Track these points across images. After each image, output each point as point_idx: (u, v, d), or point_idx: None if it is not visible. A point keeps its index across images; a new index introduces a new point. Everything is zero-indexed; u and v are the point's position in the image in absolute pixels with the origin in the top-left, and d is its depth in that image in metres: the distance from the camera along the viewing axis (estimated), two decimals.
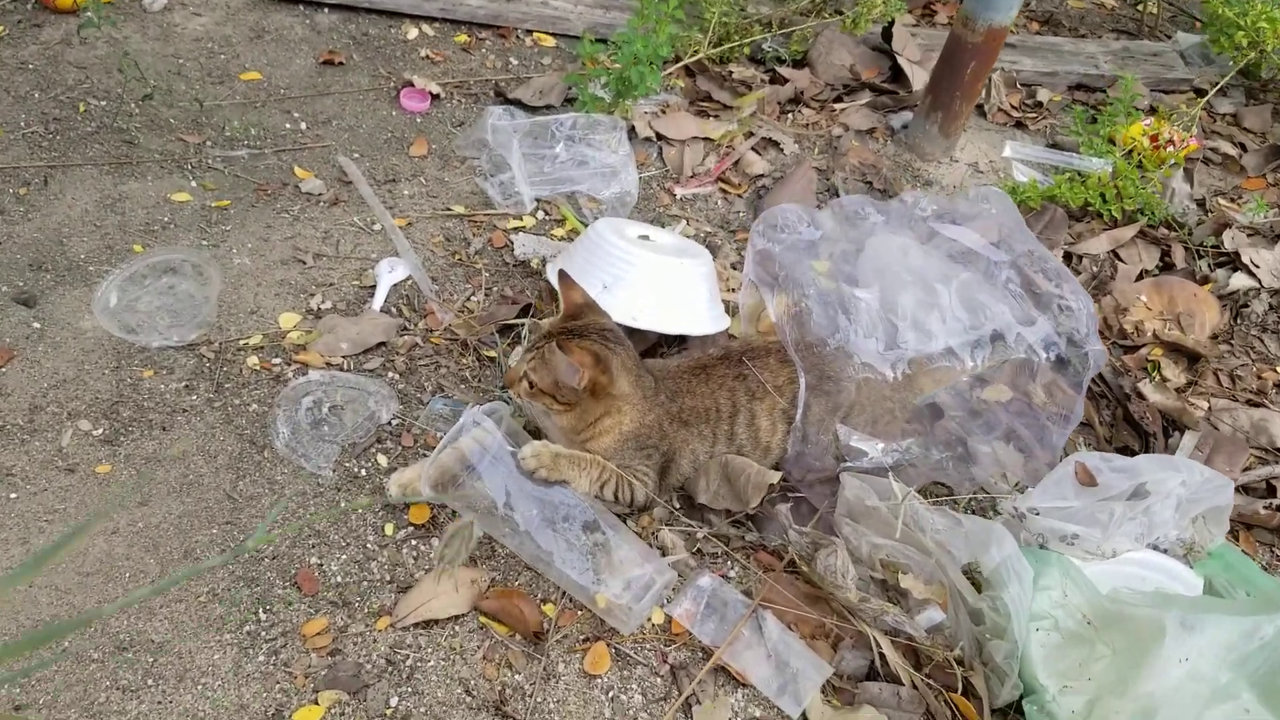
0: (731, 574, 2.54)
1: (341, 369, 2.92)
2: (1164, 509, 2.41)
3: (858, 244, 3.02)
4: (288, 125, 3.78)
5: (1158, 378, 3.27)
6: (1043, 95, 4.70)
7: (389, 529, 2.53)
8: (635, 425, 2.53)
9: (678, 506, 2.69)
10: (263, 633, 2.30)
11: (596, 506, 2.46)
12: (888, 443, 2.62)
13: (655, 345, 3.08)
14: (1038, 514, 2.42)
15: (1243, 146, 4.49)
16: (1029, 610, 2.25)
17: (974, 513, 2.77)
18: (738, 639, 2.39)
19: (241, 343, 2.93)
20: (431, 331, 3.07)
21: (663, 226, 3.62)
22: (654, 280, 2.93)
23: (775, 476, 2.54)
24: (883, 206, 2.98)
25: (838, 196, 3.91)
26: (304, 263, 3.23)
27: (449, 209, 3.56)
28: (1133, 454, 3.02)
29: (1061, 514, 2.41)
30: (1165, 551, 2.53)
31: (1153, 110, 4.55)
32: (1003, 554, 2.29)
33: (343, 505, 2.53)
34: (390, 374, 2.93)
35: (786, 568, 2.55)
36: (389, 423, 2.78)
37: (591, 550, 2.38)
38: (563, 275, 2.66)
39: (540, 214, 3.63)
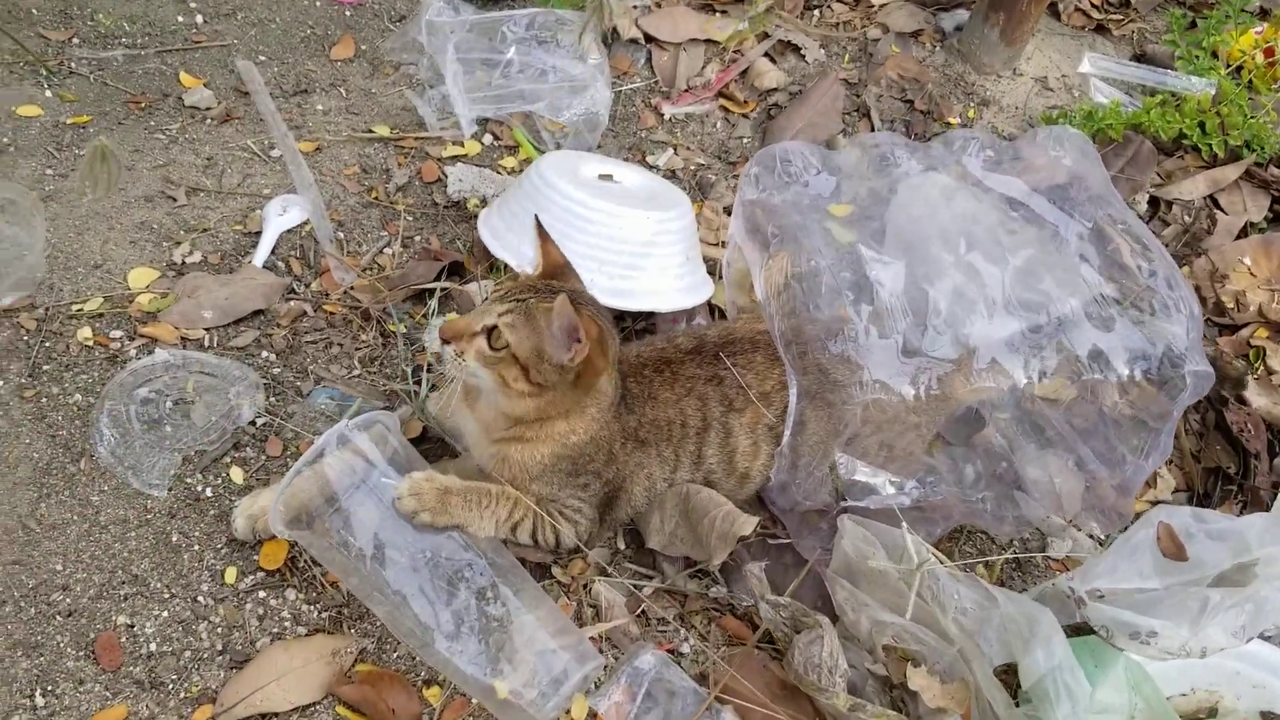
0: (685, 648, 1.96)
1: (202, 346, 2.31)
2: (1277, 594, 1.77)
3: (891, 184, 2.33)
4: (180, 18, 3.13)
5: (1262, 371, 2.59)
6: None
7: (229, 575, 1.96)
8: (583, 439, 1.93)
9: (623, 547, 2.08)
10: None
11: (498, 559, 1.86)
12: (904, 477, 1.98)
13: (614, 320, 2.43)
14: (1102, 598, 1.79)
15: None
16: None
17: (1020, 570, 2.15)
18: None
19: (75, 308, 2.33)
20: (326, 296, 2.46)
21: (644, 156, 2.95)
22: (609, 238, 2.30)
23: (750, 525, 1.96)
24: (917, 149, 2.28)
25: (868, 118, 3.21)
26: (174, 199, 2.62)
27: (370, 130, 2.90)
28: (1227, 480, 2.38)
29: (1136, 601, 1.79)
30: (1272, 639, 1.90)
31: (1264, 14, 3.72)
32: (1051, 660, 1.69)
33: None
34: (264, 354, 2.34)
35: (761, 641, 1.95)
36: (252, 423, 2.20)
37: (486, 626, 1.78)
38: (540, 226, 2.04)
39: (488, 138, 2.96)
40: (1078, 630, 1.92)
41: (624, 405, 1.99)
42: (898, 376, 1.94)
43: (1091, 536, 2.25)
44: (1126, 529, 1.94)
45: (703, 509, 1.98)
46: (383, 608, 1.82)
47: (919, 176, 2.31)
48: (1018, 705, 1.77)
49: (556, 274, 1.97)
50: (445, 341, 1.85)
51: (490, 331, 1.82)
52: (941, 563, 1.90)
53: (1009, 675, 1.86)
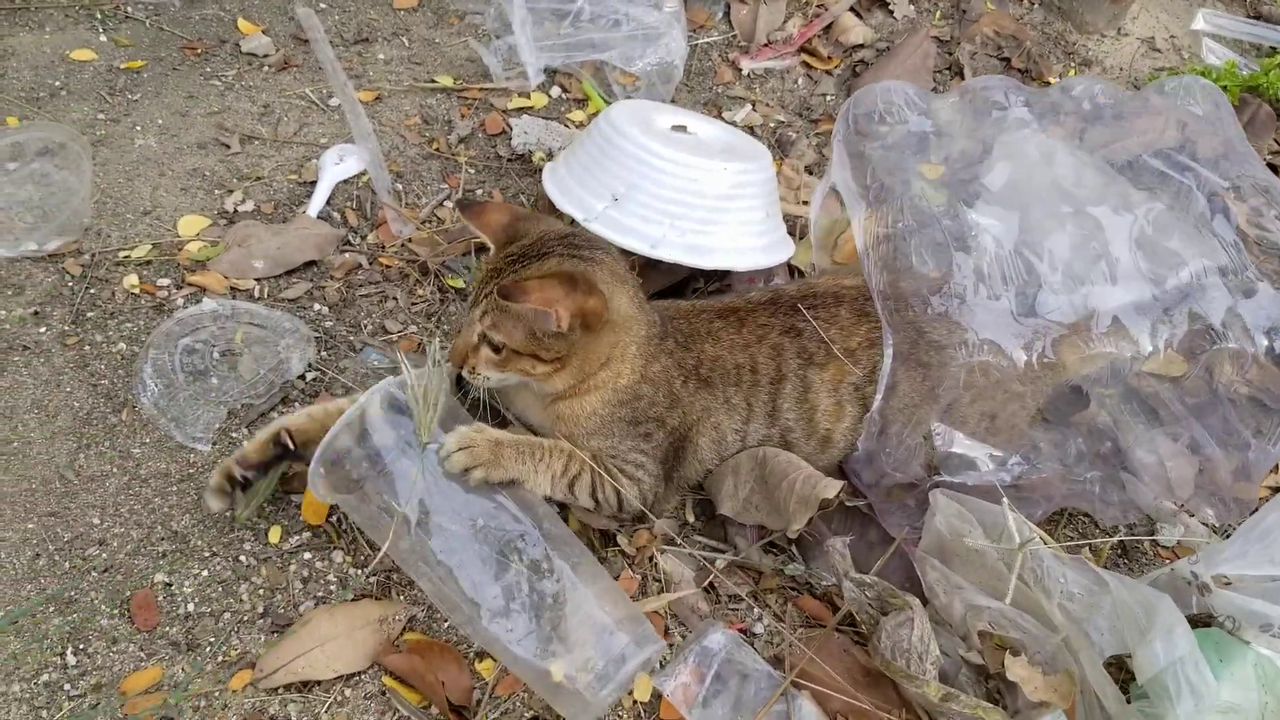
0: (759, 628, 1.81)
1: (252, 297, 2.22)
2: None
3: (986, 144, 2.15)
4: (455, 210, 3.03)
5: None
6: None
7: (273, 534, 1.86)
8: (634, 379, 1.81)
9: (692, 519, 1.95)
10: (67, 685, 1.65)
11: (554, 529, 1.72)
12: (1007, 451, 1.82)
13: (684, 282, 2.30)
14: (1229, 585, 1.61)
15: None
16: None
17: (1126, 558, 1.98)
18: None
19: (122, 255, 2.25)
20: (383, 248, 2.36)
21: (720, 112, 2.81)
22: (684, 191, 2.16)
23: (835, 488, 1.79)
24: (1033, 94, 2.10)
25: (960, 77, 3.03)
26: (228, 146, 2.53)
27: (433, 80, 2.79)
28: None
29: (1267, 589, 1.61)
30: None
31: None
32: (1173, 653, 1.53)
33: (238, 513, 1.84)
34: (317, 306, 2.23)
35: (842, 623, 1.80)
36: (302, 377, 2.09)
37: (539, 602, 1.65)
38: (463, 206, 1.92)
39: (555, 91, 2.84)
40: (1197, 621, 1.74)
41: (676, 341, 1.86)
42: (1009, 338, 1.77)
43: (1205, 524, 2.06)
44: (1255, 511, 1.76)
45: (781, 472, 1.83)
46: (428, 580, 1.70)
47: (1021, 132, 2.14)
48: (1129, 701, 1.61)
49: (511, 233, 1.83)
50: (458, 367, 1.78)
51: (484, 339, 1.74)
52: (1045, 543, 1.73)
53: (1118, 668, 1.70)
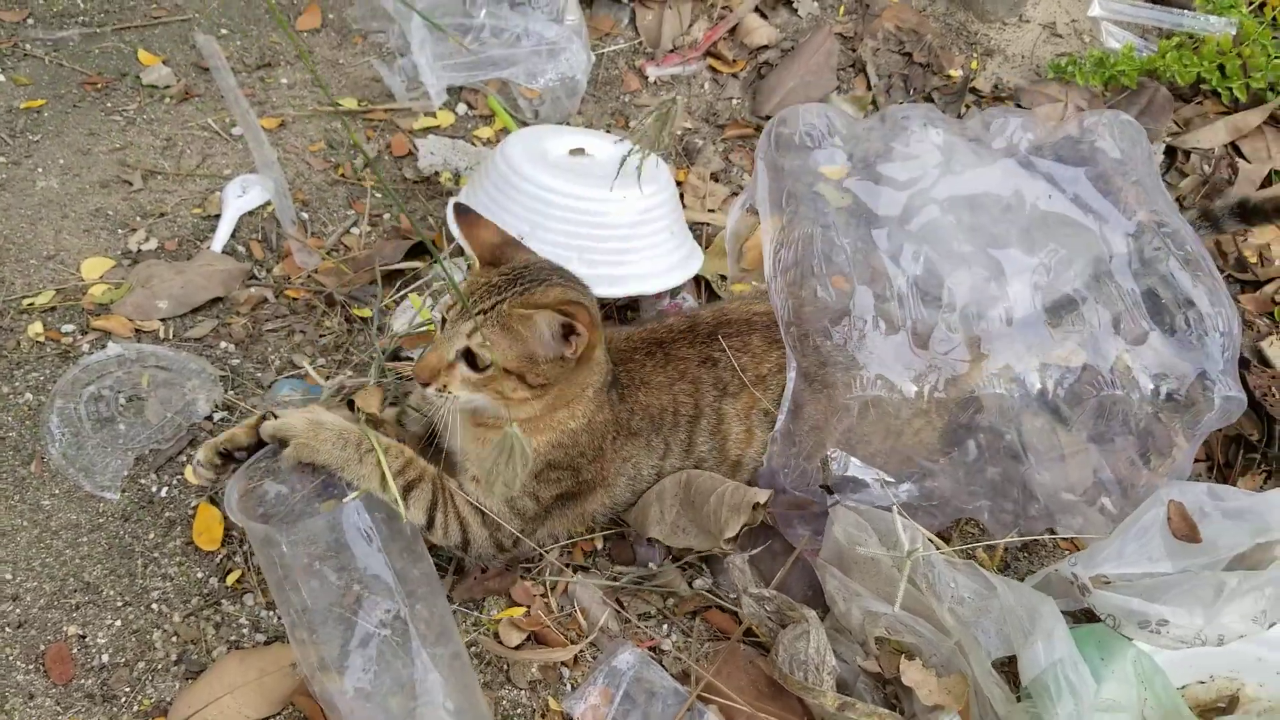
0: (667, 645, 1.87)
1: (157, 338, 2.24)
2: None
3: (886, 143, 2.19)
4: (451, 211, 3.02)
5: None
6: None
7: (185, 580, 1.88)
8: (580, 424, 1.82)
9: (600, 546, 2.00)
10: None
11: (429, 611, 1.74)
12: (902, 474, 1.88)
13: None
14: (1108, 584, 1.69)
15: None
16: None
17: (1027, 553, 2.05)
18: None
19: (26, 302, 2.26)
20: (289, 280, 2.38)
21: (627, 121, 2.85)
22: (591, 225, 2.21)
23: (765, 495, 1.84)
24: (953, 125, 2.14)
25: (864, 74, 3.08)
26: (130, 184, 2.54)
27: (338, 104, 2.80)
28: (1250, 449, 2.26)
29: (1145, 587, 1.68)
30: None
31: None
32: (1052, 655, 1.60)
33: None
34: (223, 344, 2.26)
35: (748, 635, 1.86)
36: (209, 418, 2.12)
37: (390, 683, 1.67)
38: (461, 210, 1.90)
39: (462, 108, 2.86)
40: (1085, 617, 1.82)
41: (617, 393, 1.88)
42: (902, 373, 1.82)
43: (1103, 513, 2.13)
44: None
45: (707, 489, 1.88)
46: (295, 632, 1.72)
47: (921, 135, 2.18)
48: (1019, 700, 1.68)
49: (499, 256, 1.82)
50: (425, 384, 1.72)
51: (467, 355, 1.70)
52: (937, 548, 1.80)
53: (1011, 667, 1.77)
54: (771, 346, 1.95)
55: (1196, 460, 2.31)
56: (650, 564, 1.98)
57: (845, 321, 1.83)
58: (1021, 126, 2.11)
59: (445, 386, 1.71)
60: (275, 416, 1.76)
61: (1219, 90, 3.03)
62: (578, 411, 1.81)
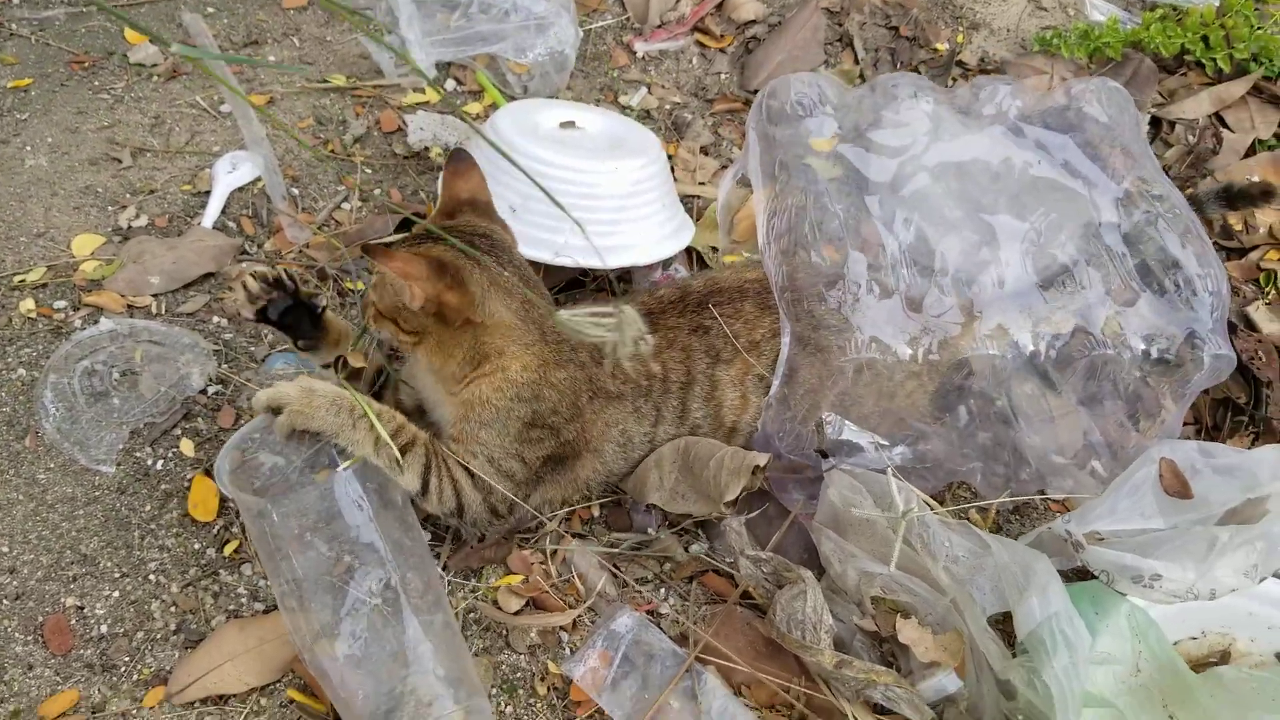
0: (665, 608, 1.88)
1: (150, 314, 2.23)
2: None
3: (875, 111, 2.20)
4: (448, 154, 3.02)
5: (1274, 296, 2.49)
6: None
7: (183, 550, 1.88)
8: (529, 377, 1.82)
9: (597, 512, 2.01)
10: None
11: (417, 576, 1.74)
12: (895, 437, 1.90)
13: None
14: (1101, 540, 1.70)
15: None
16: (1081, 692, 1.56)
17: (1018, 514, 2.07)
18: (664, 712, 1.73)
19: (17, 279, 2.26)
20: (280, 256, 2.37)
21: (616, 96, 2.85)
22: (583, 196, 2.21)
23: (764, 457, 1.86)
24: (942, 94, 2.15)
25: (851, 48, 3.09)
26: (119, 161, 2.53)
27: (325, 80, 2.80)
28: (1237, 411, 2.29)
29: (1138, 542, 1.70)
30: None
31: None
32: (1046, 609, 1.62)
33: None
34: (215, 319, 2.25)
35: (744, 598, 1.87)
36: (203, 392, 2.11)
37: (380, 652, 1.67)
38: (457, 156, 1.93)
39: (450, 84, 2.86)
40: (1079, 575, 1.84)
41: (591, 355, 1.89)
42: (896, 336, 1.83)
43: (1094, 476, 2.15)
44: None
45: (706, 454, 1.89)
46: (286, 602, 1.72)
47: (910, 105, 2.19)
48: (1014, 656, 1.70)
49: (456, 210, 1.88)
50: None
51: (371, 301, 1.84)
52: (931, 509, 1.82)
53: (1005, 624, 1.79)
54: (764, 313, 1.97)
55: (1185, 424, 2.33)
56: (648, 530, 1.99)
57: (839, 286, 1.84)
58: (1010, 94, 2.12)
59: (369, 322, 1.86)
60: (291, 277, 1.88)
61: (1203, 61, 3.05)
62: (511, 365, 1.81)
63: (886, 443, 1.91)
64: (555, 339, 1.85)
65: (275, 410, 1.70)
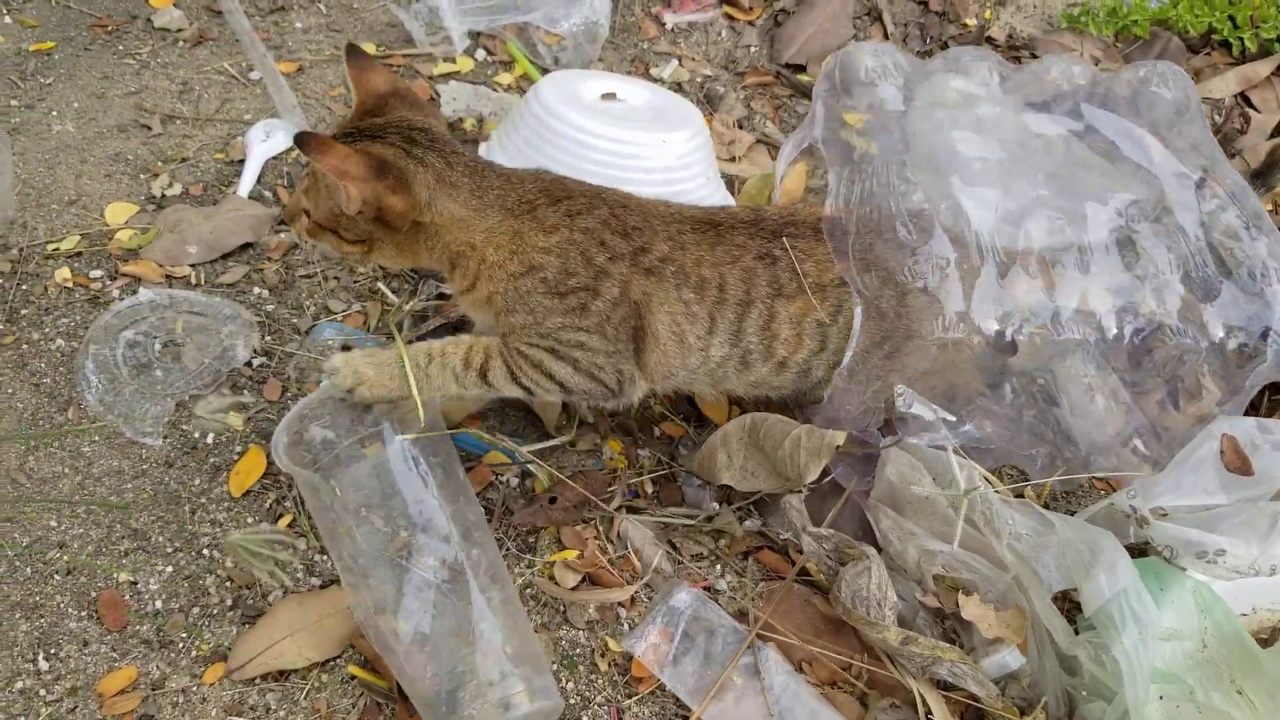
0: (722, 584, 1.87)
1: (189, 284, 2.19)
2: None
3: (908, 93, 2.18)
4: (344, 52, 2.95)
5: None
6: None
7: (235, 525, 1.85)
8: (506, 254, 1.74)
9: (650, 490, 2.00)
10: (42, 691, 1.66)
11: (483, 556, 1.73)
12: (960, 416, 1.89)
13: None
14: (1165, 516, 1.71)
15: None
16: (1149, 668, 1.57)
17: (1062, 493, 2.07)
18: (727, 688, 1.73)
19: (51, 247, 2.21)
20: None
21: (647, 69, 2.82)
22: (629, 169, 2.19)
23: (841, 436, 1.83)
24: (1012, 70, 2.13)
25: (880, 22, 3.07)
26: (149, 128, 2.48)
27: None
28: (1275, 390, 2.29)
29: (1201, 518, 1.70)
30: None
31: None
32: (1115, 584, 1.62)
33: (235, 537, 1.83)
34: (256, 290, 2.21)
35: (801, 575, 1.87)
36: (249, 363, 2.08)
37: (443, 629, 1.65)
38: (352, 52, 1.84)
39: (480, 53, 2.82)
40: (1135, 551, 1.85)
41: (600, 220, 1.79)
42: (986, 315, 1.81)
43: (1135, 454, 2.16)
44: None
45: (779, 433, 1.87)
46: (347, 577, 1.72)
47: (980, 77, 2.17)
48: (1077, 633, 1.70)
49: (380, 105, 1.77)
50: (289, 224, 1.77)
51: (303, 209, 1.73)
52: (994, 487, 1.82)
53: (1065, 603, 1.79)
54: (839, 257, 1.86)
55: (1221, 401, 2.34)
56: (701, 505, 1.98)
57: (923, 259, 1.82)
58: (1080, 74, 2.10)
59: (301, 234, 1.75)
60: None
61: (1229, 41, 3.05)
62: (490, 250, 1.75)
63: (954, 418, 1.90)
64: (530, 209, 1.76)
65: (350, 387, 1.67)
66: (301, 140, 1.55)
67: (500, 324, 1.79)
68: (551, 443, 2.02)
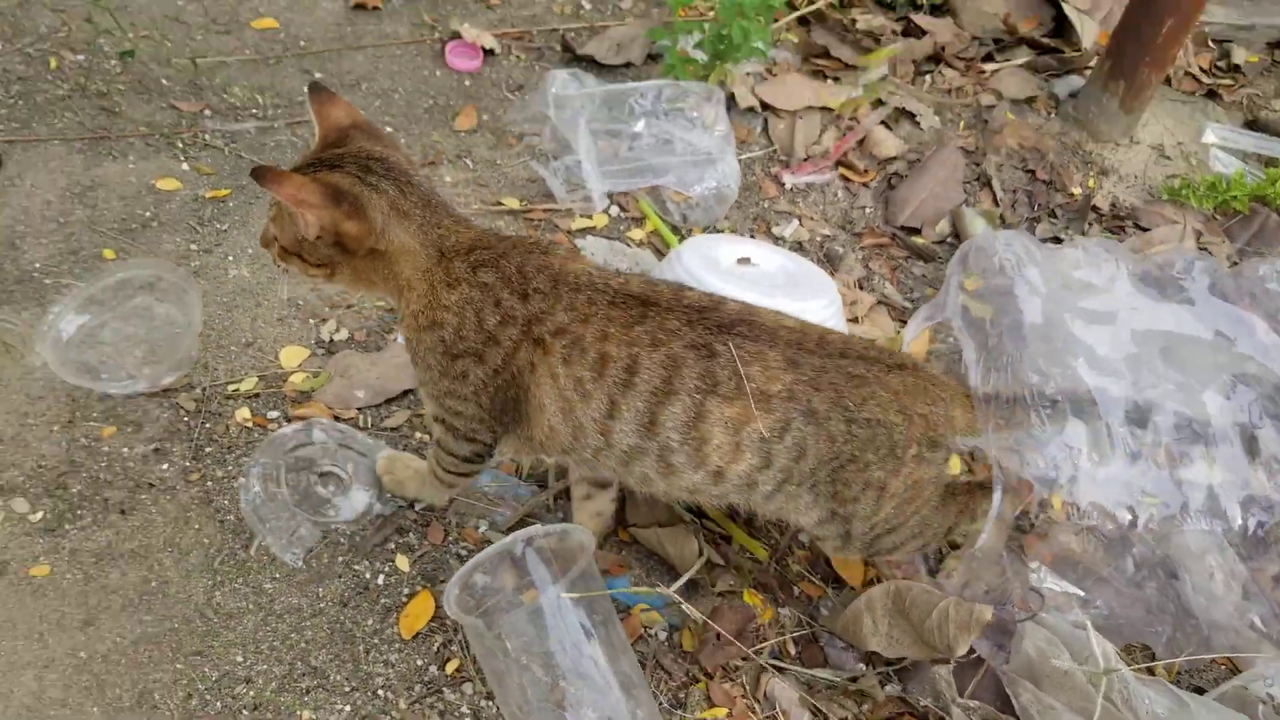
0: None
1: (356, 426, 2.34)
2: None
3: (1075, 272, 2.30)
4: (306, 90, 3.17)
5: None
6: (1238, 56, 3.92)
7: (406, 667, 1.97)
8: (422, 304, 1.80)
9: (794, 650, 2.09)
10: None
11: (630, 671, 1.87)
12: (1090, 594, 1.99)
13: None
14: None
15: None
16: None
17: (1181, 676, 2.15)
18: None
19: (231, 388, 2.38)
20: None
21: (769, 227, 2.99)
22: None
23: (989, 612, 1.92)
24: (1137, 260, 2.26)
25: (989, 187, 3.23)
26: None
27: (500, 203, 2.95)
28: None
29: None
30: None
31: None
32: None
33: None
34: (418, 435, 2.36)
35: None
36: (411, 506, 2.21)
37: None
38: (314, 89, 1.91)
39: (614, 210, 3.00)
40: None
41: (500, 278, 1.77)
42: (1118, 504, 1.92)
43: (1255, 630, 2.23)
44: None
45: (926, 604, 1.97)
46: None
47: (1107, 268, 2.29)
48: None
49: (342, 137, 1.82)
50: (266, 247, 1.88)
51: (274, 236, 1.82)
52: (1129, 665, 1.90)
53: None
54: (789, 369, 1.75)
55: None
56: (843, 667, 2.08)
57: (1058, 448, 1.94)
58: (1202, 270, 2.23)
59: (275, 259, 1.84)
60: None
61: None
62: (413, 296, 1.80)
63: (1083, 594, 2.00)
64: (449, 258, 1.79)
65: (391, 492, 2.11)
66: (257, 173, 1.62)
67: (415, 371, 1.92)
68: (687, 577, 2.12)
